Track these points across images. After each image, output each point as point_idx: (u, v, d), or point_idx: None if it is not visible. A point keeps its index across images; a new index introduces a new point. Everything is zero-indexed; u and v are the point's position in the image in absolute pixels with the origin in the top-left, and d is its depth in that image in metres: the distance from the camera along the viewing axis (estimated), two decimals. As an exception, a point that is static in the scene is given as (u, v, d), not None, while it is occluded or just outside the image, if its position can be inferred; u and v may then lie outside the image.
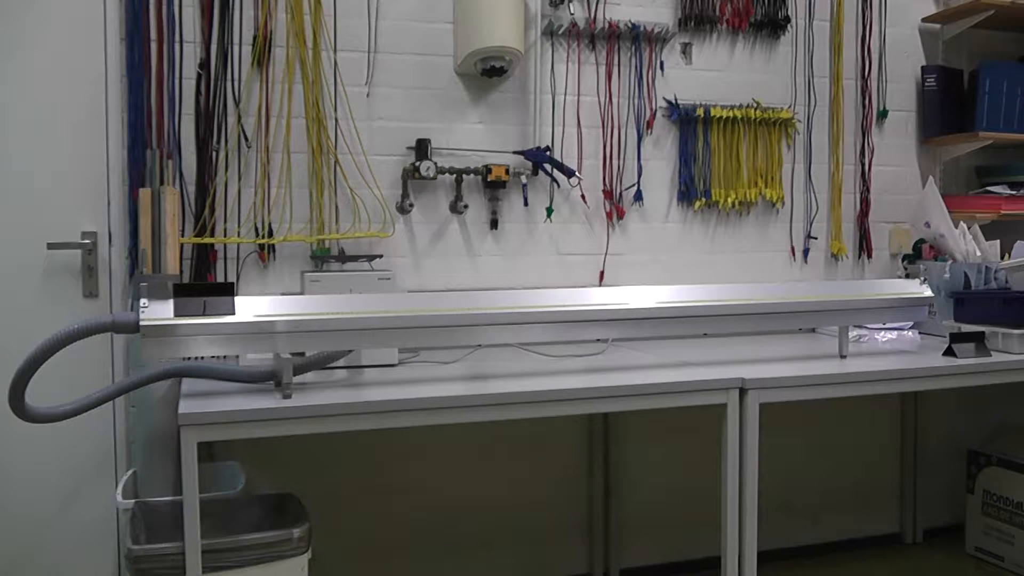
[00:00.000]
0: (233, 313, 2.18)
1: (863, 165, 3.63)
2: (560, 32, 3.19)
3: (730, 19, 3.41)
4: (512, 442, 3.17)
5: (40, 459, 2.77)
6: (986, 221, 3.53)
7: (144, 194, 2.63)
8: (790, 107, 3.50)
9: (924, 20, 3.69)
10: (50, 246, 2.75)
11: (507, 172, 3.11)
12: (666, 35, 3.31)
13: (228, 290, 2.22)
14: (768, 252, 3.52)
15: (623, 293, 2.63)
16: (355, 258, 2.92)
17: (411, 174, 3.00)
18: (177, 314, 2.13)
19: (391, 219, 3.04)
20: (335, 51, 2.98)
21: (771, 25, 3.46)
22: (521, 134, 3.18)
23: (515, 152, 3.13)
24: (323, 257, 2.91)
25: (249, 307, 2.24)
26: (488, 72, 3.02)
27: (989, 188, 3.65)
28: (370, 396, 2.29)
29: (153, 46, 2.80)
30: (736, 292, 2.72)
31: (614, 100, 3.29)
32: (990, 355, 2.82)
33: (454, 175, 3.07)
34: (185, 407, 2.11)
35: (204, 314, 2.16)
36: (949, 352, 2.81)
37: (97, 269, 2.79)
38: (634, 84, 3.31)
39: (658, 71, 3.33)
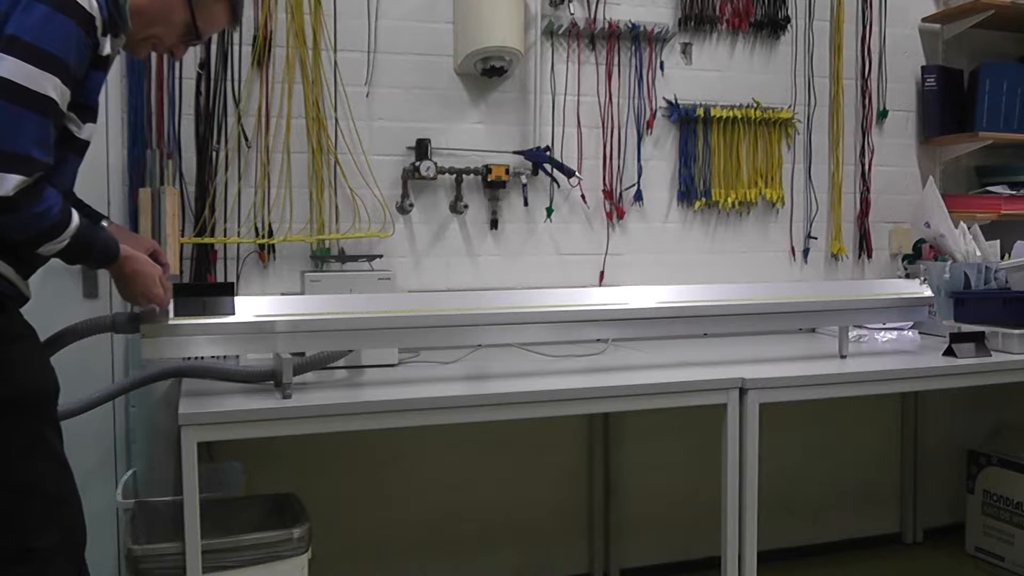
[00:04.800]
0: (233, 313, 2.18)
1: (863, 165, 3.63)
2: (560, 32, 3.19)
3: (730, 19, 3.41)
4: (512, 442, 3.17)
5: (40, 459, 2.76)
6: (986, 221, 3.53)
7: (144, 194, 2.63)
8: (790, 107, 3.50)
9: (924, 20, 3.69)
10: (50, 246, 2.74)
11: (507, 172, 3.11)
12: (666, 35, 3.31)
13: (228, 290, 2.23)
14: (768, 252, 3.52)
15: (623, 293, 2.64)
16: (355, 258, 2.92)
17: (411, 174, 3.00)
18: (177, 314, 2.13)
19: (391, 219, 3.04)
20: (335, 51, 2.98)
21: (771, 25, 3.46)
22: (521, 134, 3.18)
23: (515, 152, 3.13)
24: (323, 257, 2.91)
25: (249, 307, 2.24)
26: (488, 72, 3.02)
27: (989, 188, 3.65)
28: (370, 396, 2.29)
29: (153, 46, 2.80)
30: (736, 292, 2.72)
31: (614, 100, 3.29)
32: (990, 355, 2.82)
33: (454, 175, 3.07)
34: (185, 407, 2.11)
35: (204, 314, 2.16)
36: (949, 352, 2.80)
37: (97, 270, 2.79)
38: (634, 84, 3.31)
39: (658, 71, 3.33)
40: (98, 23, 1.72)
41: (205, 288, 2.38)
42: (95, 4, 1.71)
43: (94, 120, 1.84)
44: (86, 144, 1.85)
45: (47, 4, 1.64)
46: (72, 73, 1.69)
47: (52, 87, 1.65)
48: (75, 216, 1.76)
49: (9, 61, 1.61)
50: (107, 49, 1.78)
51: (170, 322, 2.12)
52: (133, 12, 1.84)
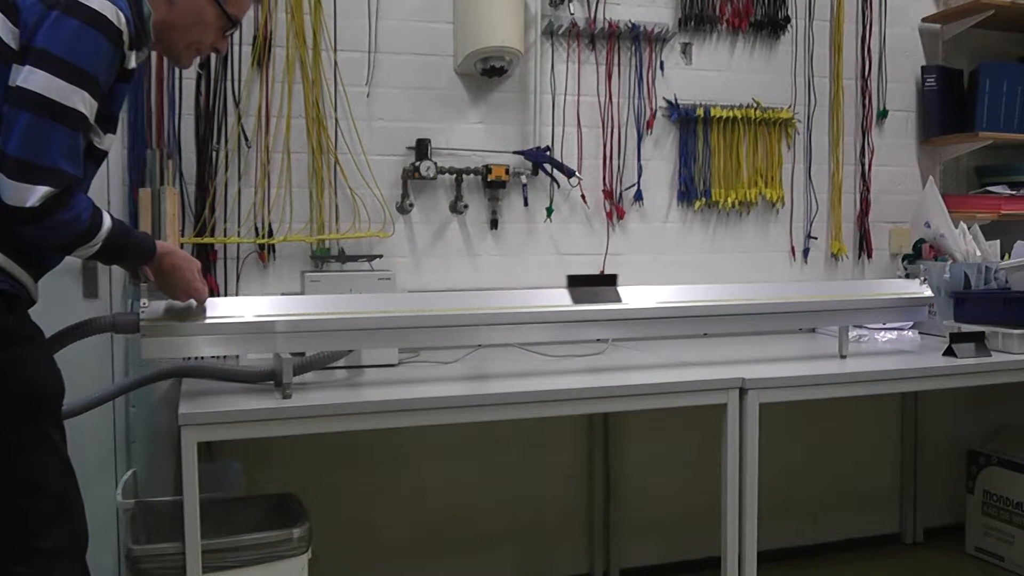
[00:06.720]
0: (619, 300, 2.38)
1: (863, 165, 3.63)
2: (560, 32, 3.19)
3: (730, 19, 3.41)
4: (512, 442, 3.17)
5: (40, 459, 2.76)
6: (986, 221, 3.53)
7: (144, 194, 2.63)
8: (790, 107, 3.50)
9: (924, 20, 3.69)
10: (50, 246, 2.74)
11: (507, 172, 3.11)
12: (666, 35, 3.31)
13: (612, 281, 2.45)
14: (768, 252, 3.52)
15: (623, 293, 2.63)
16: (355, 258, 2.92)
17: (411, 174, 3.00)
18: (576, 302, 2.40)
19: (391, 219, 3.04)
20: (335, 51, 2.98)
21: (771, 25, 3.46)
22: (521, 134, 3.18)
23: (515, 152, 3.13)
24: (323, 257, 2.91)
25: (249, 307, 2.24)
26: (488, 72, 3.02)
27: (989, 188, 3.65)
28: (370, 396, 2.29)
29: (153, 46, 2.80)
30: (736, 292, 2.72)
31: (614, 100, 3.29)
32: (990, 355, 2.82)
33: (454, 175, 3.07)
34: (185, 407, 2.11)
35: (596, 301, 2.41)
36: (949, 352, 2.80)
37: (97, 269, 2.79)
38: (634, 84, 3.31)
39: (658, 71, 3.33)
40: (125, 38, 1.75)
41: (592, 279, 2.54)
42: (123, 19, 1.73)
43: (114, 131, 1.87)
44: (105, 153, 1.88)
45: (78, 19, 1.66)
46: (101, 87, 1.72)
47: (81, 101, 1.68)
48: (106, 219, 1.79)
49: (40, 75, 1.64)
50: (132, 63, 1.81)
51: (170, 322, 2.12)
52: (166, 27, 1.88)
